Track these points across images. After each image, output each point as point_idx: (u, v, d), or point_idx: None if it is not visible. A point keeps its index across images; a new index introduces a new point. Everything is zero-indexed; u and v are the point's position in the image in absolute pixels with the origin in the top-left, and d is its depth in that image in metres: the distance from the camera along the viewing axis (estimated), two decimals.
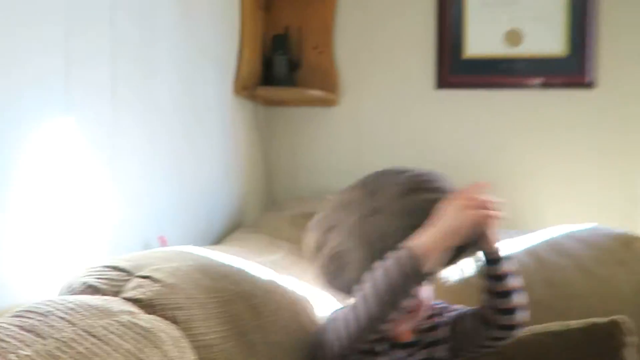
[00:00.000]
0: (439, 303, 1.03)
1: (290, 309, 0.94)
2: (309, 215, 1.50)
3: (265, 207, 1.80)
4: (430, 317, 0.97)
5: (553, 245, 1.34)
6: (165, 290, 0.69)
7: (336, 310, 0.96)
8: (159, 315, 0.64)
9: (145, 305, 0.66)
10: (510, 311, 0.89)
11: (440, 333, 0.96)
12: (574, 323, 1.02)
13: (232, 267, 0.92)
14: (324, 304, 1.05)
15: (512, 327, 0.90)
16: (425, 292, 0.93)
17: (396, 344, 0.92)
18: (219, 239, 1.45)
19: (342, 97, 1.84)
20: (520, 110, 1.76)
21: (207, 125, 1.46)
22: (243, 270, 0.93)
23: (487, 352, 0.95)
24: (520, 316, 0.90)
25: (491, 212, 0.84)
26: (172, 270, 0.76)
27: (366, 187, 0.94)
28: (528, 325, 0.95)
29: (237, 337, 0.76)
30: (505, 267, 0.89)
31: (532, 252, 1.32)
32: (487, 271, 0.90)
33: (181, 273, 0.77)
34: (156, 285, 0.70)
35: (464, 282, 1.24)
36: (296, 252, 1.29)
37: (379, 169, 0.99)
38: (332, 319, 0.92)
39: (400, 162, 1.77)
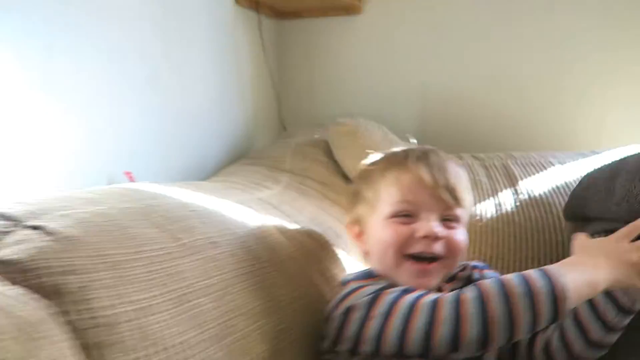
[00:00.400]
0: (477, 264, 0.79)
1: (272, 263, 0.74)
2: (316, 144, 1.29)
3: (277, 136, 1.58)
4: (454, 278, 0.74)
5: None
6: (56, 246, 0.49)
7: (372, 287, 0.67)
8: (29, 286, 0.45)
9: (21, 269, 0.47)
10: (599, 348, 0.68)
11: None
12: None
13: (191, 210, 0.71)
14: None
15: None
16: (464, 235, 0.73)
17: None
18: (213, 174, 1.25)
19: (367, 3, 1.54)
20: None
21: (197, 42, 1.23)
22: (207, 214, 0.73)
23: None
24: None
25: None
26: (87, 216, 0.56)
27: None
28: None
29: (176, 304, 0.56)
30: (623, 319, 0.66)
31: None
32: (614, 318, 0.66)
33: (100, 220, 0.57)
34: (46, 239, 0.50)
35: (503, 220, 0.99)
36: (296, 187, 1.08)
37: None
38: (374, 300, 0.64)
39: (436, 81, 1.53)
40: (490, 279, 0.60)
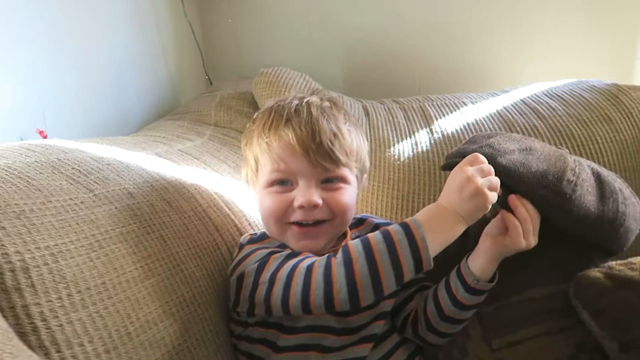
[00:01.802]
0: (364, 216, 0.82)
1: (185, 211, 0.76)
2: (241, 96, 1.29)
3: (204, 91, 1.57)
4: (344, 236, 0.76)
5: (525, 106, 1.13)
6: None
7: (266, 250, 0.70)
8: None
9: None
10: (439, 334, 0.74)
11: None
12: None
13: (106, 164, 0.72)
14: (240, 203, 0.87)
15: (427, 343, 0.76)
16: (349, 195, 0.71)
17: None
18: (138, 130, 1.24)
19: None
20: None
21: None
22: (123, 167, 0.73)
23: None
24: (444, 341, 0.76)
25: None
26: None
27: None
28: None
29: (91, 249, 0.58)
30: (470, 299, 0.70)
31: (501, 116, 1.11)
32: (459, 294, 0.71)
33: (3, 173, 0.57)
34: None
35: (418, 158, 1.05)
36: (220, 138, 1.09)
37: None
38: (266, 258, 0.67)
39: (360, 31, 1.55)
40: (356, 240, 0.61)
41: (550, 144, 1.04)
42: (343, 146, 0.69)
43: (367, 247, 0.59)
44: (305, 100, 0.72)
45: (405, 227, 0.59)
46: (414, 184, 1.03)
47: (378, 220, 0.82)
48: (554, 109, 1.09)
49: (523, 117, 1.09)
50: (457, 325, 0.73)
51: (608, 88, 1.13)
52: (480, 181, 0.61)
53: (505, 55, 1.47)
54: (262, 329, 0.70)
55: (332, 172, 0.69)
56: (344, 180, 0.70)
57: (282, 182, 0.69)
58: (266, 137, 0.70)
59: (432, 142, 1.08)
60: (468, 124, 1.10)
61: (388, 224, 0.77)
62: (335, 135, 0.68)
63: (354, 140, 0.71)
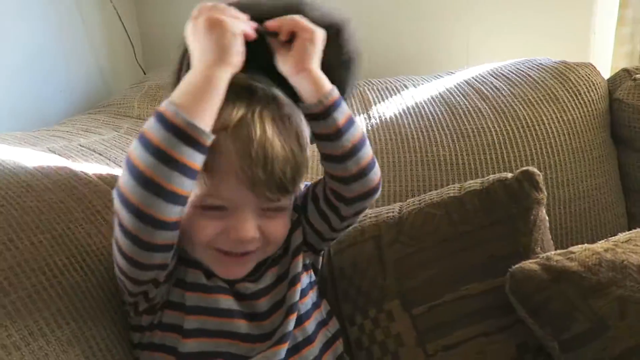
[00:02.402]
0: None
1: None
2: (168, 87, 1.19)
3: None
4: None
5: (468, 87, 1.06)
6: None
7: None
8: None
9: None
10: (354, 178, 0.61)
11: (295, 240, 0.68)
12: (473, 183, 0.76)
13: None
14: None
15: (363, 197, 0.63)
16: (287, 221, 0.65)
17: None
18: None
19: None
20: None
21: None
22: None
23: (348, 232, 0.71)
24: (370, 179, 0.63)
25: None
26: None
27: None
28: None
29: None
30: (335, 117, 0.58)
31: (443, 99, 1.04)
32: (311, 127, 0.61)
33: None
34: None
35: None
36: (136, 132, 0.99)
37: None
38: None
39: None
40: None
41: (493, 126, 0.98)
42: (294, 174, 0.58)
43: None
44: (257, 110, 0.57)
45: (156, 112, 0.51)
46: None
47: None
48: (498, 89, 1.03)
49: (466, 98, 1.02)
50: (359, 154, 0.60)
51: (555, 66, 1.07)
52: (208, 13, 0.54)
53: (457, 36, 1.40)
54: (160, 333, 0.62)
55: (275, 202, 0.60)
56: (284, 208, 0.62)
57: (218, 208, 0.58)
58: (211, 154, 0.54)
59: (369, 128, 1.00)
60: (407, 108, 1.03)
61: None
62: (287, 161, 0.57)
63: (303, 163, 0.60)
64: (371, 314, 0.74)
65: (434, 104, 1.03)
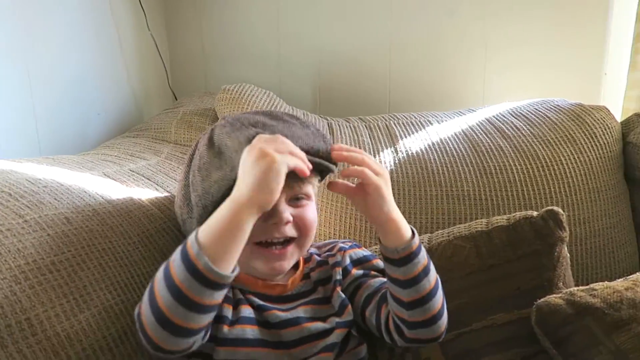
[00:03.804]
0: (344, 246, 0.75)
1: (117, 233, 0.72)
2: (204, 113, 1.26)
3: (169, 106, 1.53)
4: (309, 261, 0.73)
5: (490, 126, 1.12)
6: None
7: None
8: None
9: None
10: (418, 324, 0.63)
11: (322, 292, 0.70)
12: (500, 219, 0.81)
13: (43, 186, 0.67)
14: None
15: (422, 342, 0.65)
16: (314, 210, 0.68)
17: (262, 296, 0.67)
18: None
19: None
20: None
21: (62, 6, 1.14)
22: (62, 190, 0.69)
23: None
24: (433, 329, 0.64)
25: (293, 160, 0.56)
26: None
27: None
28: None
29: (17, 280, 0.53)
30: (409, 268, 0.61)
31: (467, 136, 1.10)
32: (385, 267, 0.64)
33: None
34: None
35: None
36: (178, 157, 1.05)
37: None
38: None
39: (332, 54, 1.53)
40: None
41: (515, 164, 1.03)
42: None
43: (164, 267, 0.52)
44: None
45: (183, 246, 0.52)
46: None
47: (344, 245, 0.76)
48: (518, 129, 1.09)
49: (488, 137, 1.08)
50: (427, 305, 0.62)
51: (572, 108, 1.13)
52: (263, 145, 0.55)
53: (472, 73, 1.47)
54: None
55: (302, 189, 0.66)
56: (308, 196, 0.68)
57: None
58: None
59: (397, 161, 1.05)
60: (433, 144, 1.08)
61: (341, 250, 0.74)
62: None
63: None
64: None
65: (457, 140, 1.08)
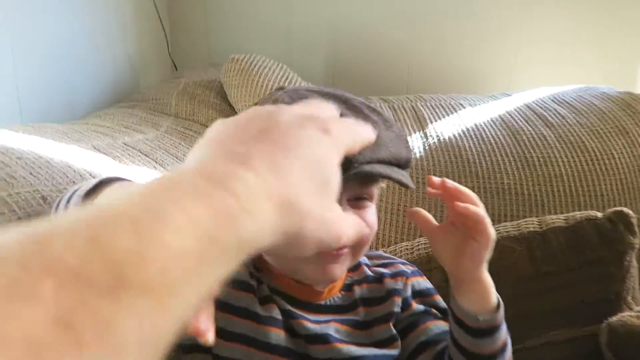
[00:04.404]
0: (405, 270, 0.60)
1: None
2: (208, 84, 1.13)
3: (168, 76, 1.39)
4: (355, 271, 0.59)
5: (531, 112, 1.00)
6: None
7: None
8: None
9: None
10: None
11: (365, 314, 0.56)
12: (555, 219, 0.70)
13: (17, 158, 0.55)
14: None
15: None
16: (375, 213, 0.55)
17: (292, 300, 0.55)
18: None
19: None
20: None
21: None
22: (39, 163, 0.56)
23: None
24: None
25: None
26: None
27: None
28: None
29: None
30: (487, 342, 0.50)
31: (505, 123, 0.98)
32: (454, 333, 0.52)
33: None
34: None
35: (411, 168, 0.91)
36: (179, 131, 0.92)
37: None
38: None
39: (349, 27, 1.40)
40: None
41: (560, 156, 0.92)
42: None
43: None
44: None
45: None
46: (406, 196, 0.88)
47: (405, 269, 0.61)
48: (563, 117, 0.97)
49: (529, 124, 0.96)
50: None
51: (621, 96, 1.01)
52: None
53: (502, 58, 1.35)
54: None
55: (369, 188, 0.53)
56: (371, 197, 0.55)
57: None
58: None
59: (427, 148, 0.93)
60: (467, 130, 0.96)
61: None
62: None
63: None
64: None
65: (494, 127, 0.97)
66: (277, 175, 0.24)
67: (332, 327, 0.54)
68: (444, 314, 0.56)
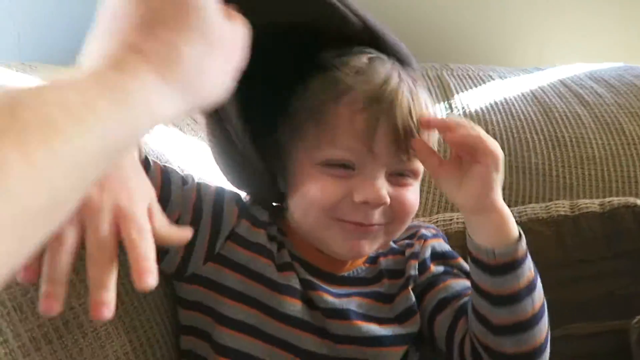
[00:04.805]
0: (425, 233, 0.56)
1: None
2: None
3: None
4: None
5: (565, 89, 0.93)
6: None
7: None
8: None
9: None
10: (509, 358, 0.46)
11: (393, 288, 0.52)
12: (589, 204, 0.65)
13: None
14: None
15: None
16: (417, 193, 0.50)
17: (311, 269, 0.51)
18: None
19: None
20: None
21: None
22: None
23: None
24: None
25: None
26: None
27: None
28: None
29: None
30: (511, 279, 0.45)
31: (536, 98, 0.92)
32: (473, 275, 0.47)
33: None
34: None
35: None
36: None
37: None
38: None
39: None
40: None
41: (595, 137, 0.86)
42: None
43: None
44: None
45: None
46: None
47: (425, 232, 0.56)
48: (600, 96, 0.91)
49: (563, 101, 0.90)
50: (525, 335, 0.46)
51: None
52: None
53: (532, 30, 1.27)
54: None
55: (406, 163, 0.48)
56: (415, 174, 0.50)
57: (345, 166, 0.47)
58: (346, 103, 0.47)
59: None
60: (495, 103, 0.90)
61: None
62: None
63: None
64: None
65: (525, 102, 0.90)
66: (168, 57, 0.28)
67: (354, 302, 0.50)
68: (467, 276, 0.51)
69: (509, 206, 0.50)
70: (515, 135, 0.85)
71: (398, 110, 0.46)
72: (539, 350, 0.46)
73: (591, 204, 0.65)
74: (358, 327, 0.49)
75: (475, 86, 0.95)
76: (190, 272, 0.49)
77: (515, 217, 0.65)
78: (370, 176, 0.46)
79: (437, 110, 0.89)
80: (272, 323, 0.49)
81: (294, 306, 0.49)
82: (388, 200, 0.47)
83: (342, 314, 0.49)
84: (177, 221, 0.47)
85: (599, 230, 0.62)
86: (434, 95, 0.93)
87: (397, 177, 0.48)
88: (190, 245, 0.46)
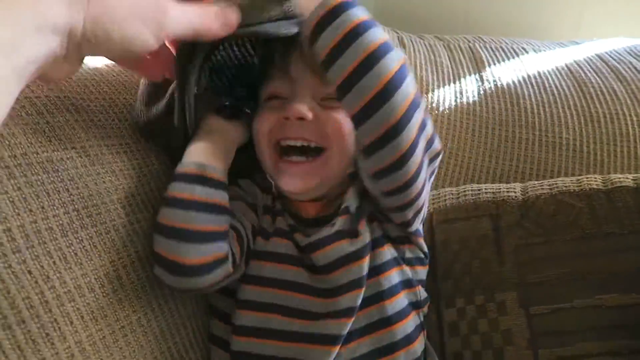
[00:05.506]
0: None
1: None
2: None
3: None
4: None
5: (602, 63, 0.91)
6: None
7: None
8: None
9: None
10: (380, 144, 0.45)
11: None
12: (622, 178, 0.64)
13: None
14: None
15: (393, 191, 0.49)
16: (341, 113, 0.51)
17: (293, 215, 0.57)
18: None
19: None
20: None
21: None
22: None
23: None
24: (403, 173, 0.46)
25: None
26: None
27: None
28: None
29: None
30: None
31: (571, 72, 0.90)
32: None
33: None
34: None
35: (462, 110, 0.84)
36: None
37: None
38: None
39: None
40: None
41: (630, 114, 0.84)
42: None
43: None
44: None
45: None
46: (453, 142, 0.83)
47: None
48: (639, 72, 0.88)
49: (599, 76, 0.88)
50: (398, 170, 0.46)
51: None
52: None
53: (569, 3, 1.23)
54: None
55: (331, 87, 0.48)
56: None
57: (278, 97, 0.54)
58: None
59: (482, 92, 0.87)
60: (528, 77, 0.89)
61: None
62: None
63: None
64: (478, 300, 0.65)
65: (559, 76, 0.89)
66: None
67: (324, 231, 0.54)
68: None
69: (532, 180, 0.49)
70: (547, 110, 0.84)
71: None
72: (397, 126, 0.43)
73: (624, 178, 0.64)
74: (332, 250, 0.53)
75: (509, 59, 0.94)
76: None
77: (546, 189, 0.67)
78: (293, 98, 0.52)
79: (469, 83, 0.88)
80: (267, 266, 0.54)
81: (287, 245, 0.55)
82: (309, 115, 0.51)
83: (318, 245, 0.53)
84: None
85: (632, 203, 0.61)
86: (465, 67, 0.92)
87: (329, 100, 0.52)
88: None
